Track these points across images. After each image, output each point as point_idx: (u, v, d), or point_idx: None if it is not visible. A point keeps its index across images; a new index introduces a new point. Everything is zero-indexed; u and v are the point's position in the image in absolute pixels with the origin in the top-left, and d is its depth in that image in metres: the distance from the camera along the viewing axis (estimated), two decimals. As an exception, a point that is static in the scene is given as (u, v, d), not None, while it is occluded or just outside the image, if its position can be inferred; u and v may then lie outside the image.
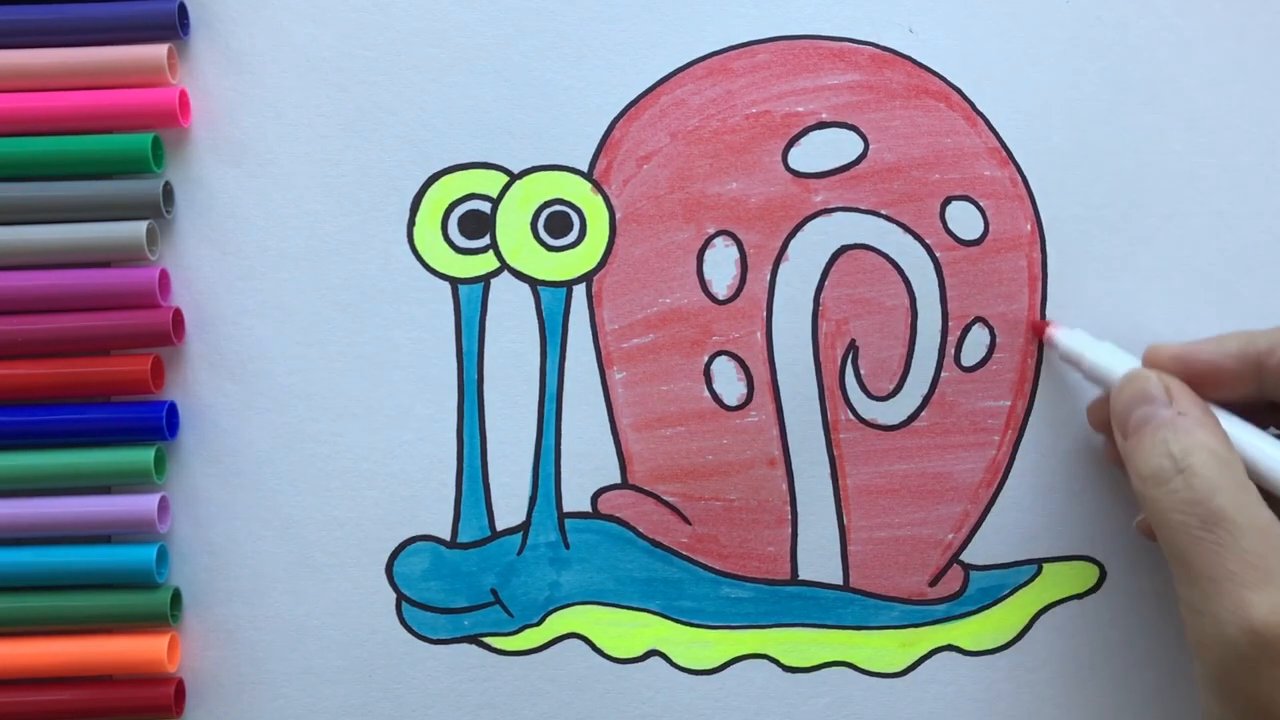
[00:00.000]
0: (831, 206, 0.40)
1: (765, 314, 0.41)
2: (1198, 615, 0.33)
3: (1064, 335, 0.39)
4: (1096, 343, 0.38)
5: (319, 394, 0.40)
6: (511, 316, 0.41)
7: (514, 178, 0.41)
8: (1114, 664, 0.41)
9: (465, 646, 0.41)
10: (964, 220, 0.40)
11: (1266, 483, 0.34)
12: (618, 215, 0.41)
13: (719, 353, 0.41)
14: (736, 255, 0.41)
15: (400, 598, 0.41)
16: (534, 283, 0.41)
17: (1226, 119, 0.40)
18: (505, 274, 0.41)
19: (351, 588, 0.40)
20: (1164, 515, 0.33)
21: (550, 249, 0.41)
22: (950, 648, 0.41)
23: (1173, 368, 0.36)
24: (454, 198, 0.41)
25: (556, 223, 0.41)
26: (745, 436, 0.41)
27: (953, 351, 0.40)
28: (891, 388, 0.41)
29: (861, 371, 0.41)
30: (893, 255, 0.40)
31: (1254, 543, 0.32)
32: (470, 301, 0.41)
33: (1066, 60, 0.40)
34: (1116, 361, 0.37)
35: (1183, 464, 0.33)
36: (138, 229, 0.39)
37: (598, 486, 0.41)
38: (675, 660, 0.41)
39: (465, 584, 0.41)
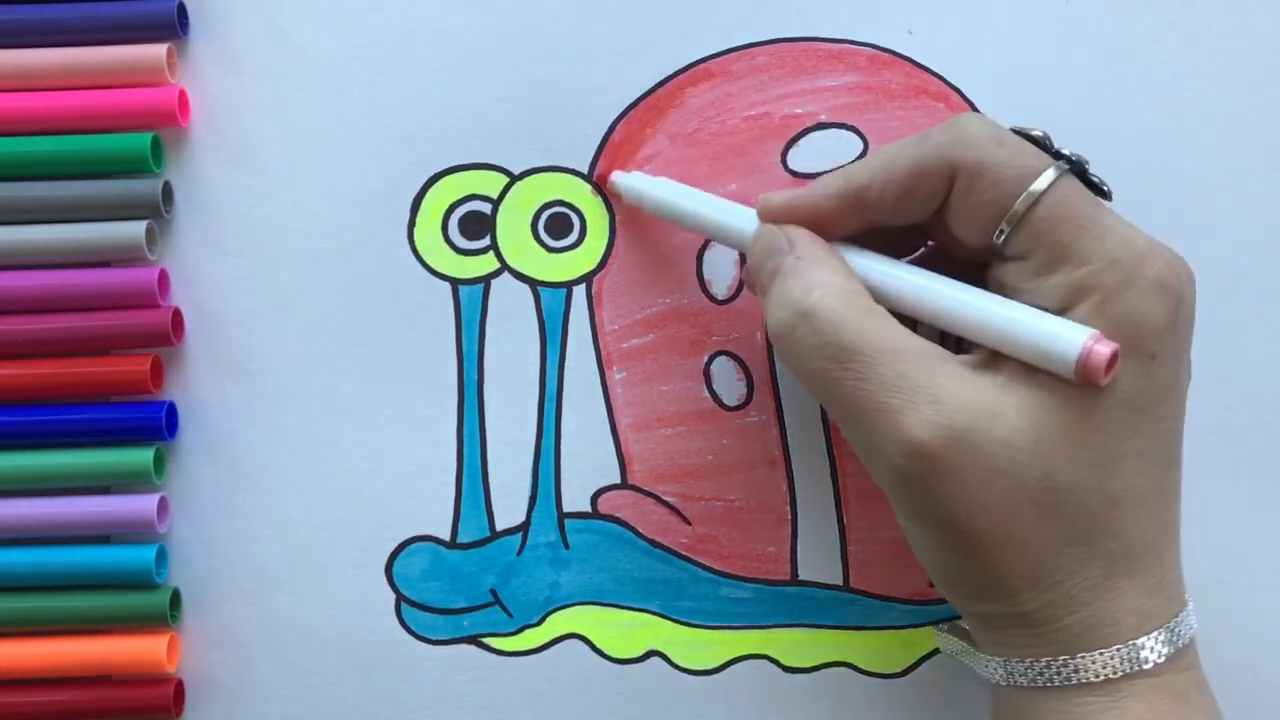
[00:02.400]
0: (831, 207, 0.40)
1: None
2: (864, 451, 0.33)
3: (625, 179, 0.40)
4: (659, 180, 0.39)
5: (319, 394, 0.40)
6: (511, 317, 0.41)
7: (514, 179, 0.41)
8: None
9: (465, 647, 0.41)
10: (963, 221, 0.41)
11: (896, 304, 0.34)
12: (617, 216, 0.41)
13: (719, 353, 0.41)
14: (736, 255, 0.41)
15: (400, 598, 0.40)
16: (534, 283, 0.41)
17: (1226, 119, 0.40)
18: (505, 275, 0.41)
19: (351, 588, 0.40)
20: (802, 365, 0.33)
21: (550, 250, 0.41)
22: (950, 648, 0.41)
23: (784, 218, 0.35)
24: (454, 199, 0.41)
25: (557, 224, 0.41)
26: (745, 436, 0.41)
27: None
28: (892, 387, 0.41)
29: (862, 371, 0.41)
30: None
31: (891, 366, 0.32)
32: (470, 302, 0.41)
33: (1066, 60, 0.41)
34: (735, 218, 0.37)
35: (803, 306, 0.33)
36: (137, 229, 0.39)
37: (598, 486, 0.41)
38: (675, 660, 0.40)
39: (465, 584, 0.41)
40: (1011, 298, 0.33)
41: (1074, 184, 0.33)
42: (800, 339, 0.33)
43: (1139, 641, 0.32)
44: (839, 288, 0.33)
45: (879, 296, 0.34)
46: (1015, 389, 0.32)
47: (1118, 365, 0.31)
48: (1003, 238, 0.33)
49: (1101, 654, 0.32)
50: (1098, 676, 0.32)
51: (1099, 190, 0.34)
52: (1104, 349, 0.31)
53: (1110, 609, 0.32)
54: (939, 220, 0.35)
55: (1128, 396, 0.32)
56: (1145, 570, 0.33)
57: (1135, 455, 0.32)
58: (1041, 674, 0.33)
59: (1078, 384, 0.31)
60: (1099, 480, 0.32)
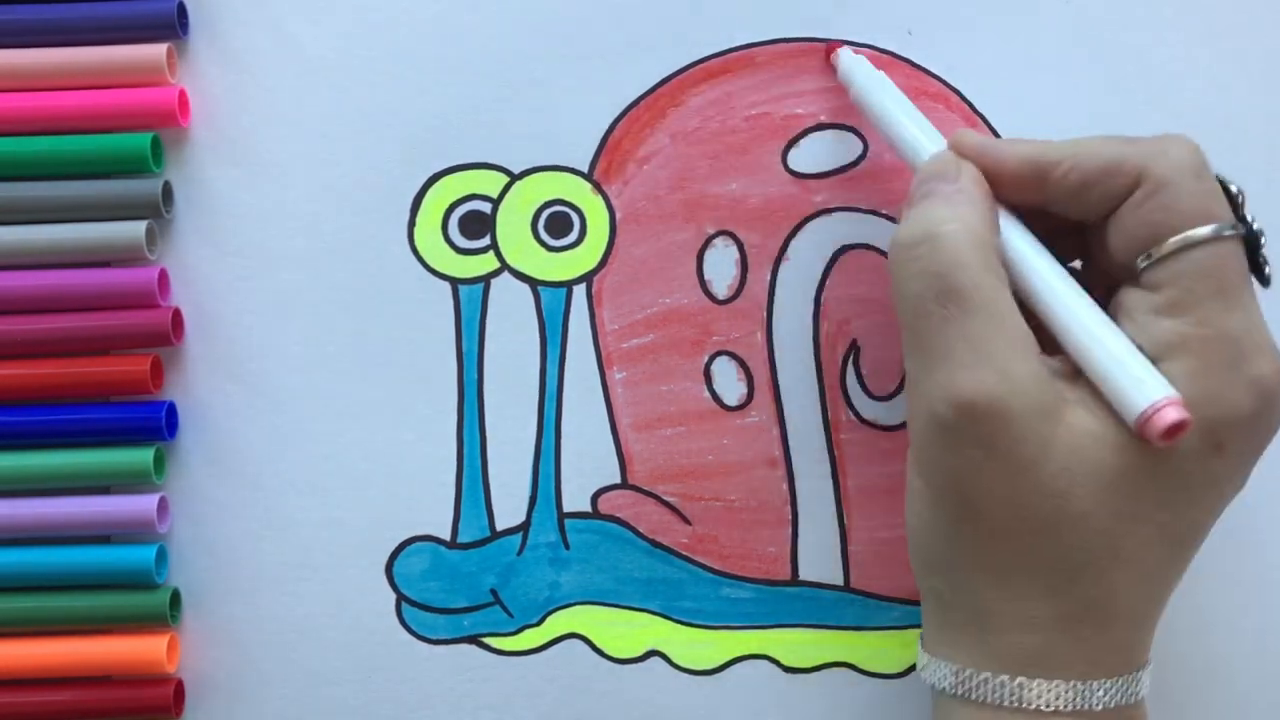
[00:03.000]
0: (831, 206, 0.40)
1: (765, 314, 0.41)
2: (914, 386, 0.33)
3: (849, 58, 0.39)
4: (878, 75, 0.38)
5: (319, 394, 0.40)
6: (511, 317, 0.41)
7: (514, 178, 0.41)
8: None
9: (465, 647, 0.41)
10: (964, 220, 0.40)
11: (1018, 280, 0.33)
12: (618, 216, 0.41)
13: (719, 353, 0.41)
14: (736, 255, 0.41)
15: (400, 598, 0.40)
16: (534, 283, 0.41)
17: (1226, 119, 0.41)
18: (505, 274, 0.41)
19: (351, 588, 0.40)
20: (905, 283, 0.33)
21: (550, 249, 0.41)
22: (950, 648, 0.41)
23: (971, 157, 0.35)
24: (454, 198, 0.41)
25: (557, 223, 0.41)
26: (745, 437, 0.41)
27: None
28: (893, 388, 0.41)
29: (862, 371, 0.41)
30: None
31: (981, 324, 0.31)
32: (470, 302, 0.41)
33: (1066, 60, 0.41)
34: (923, 136, 0.36)
35: (937, 230, 0.32)
36: (137, 229, 0.39)
37: (598, 486, 0.41)
38: (675, 660, 0.40)
39: (465, 584, 0.41)
40: (1121, 322, 0.32)
41: (1237, 251, 0.32)
42: (917, 258, 0.32)
43: (1085, 684, 0.32)
44: (977, 233, 0.32)
45: (1007, 265, 0.33)
46: (1078, 410, 0.32)
47: (1182, 436, 0.30)
48: (1146, 263, 0.32)
49: (1054, 685, 0.32)
50: (1036, 707, 0.32)
51: (1260, 272, 0.33)
52: (1174, 414, 0.30)
53: (1064, 648, 0.32)
54: (1100, 226, 0.34)
55: (1176, 471, 0.31)
56: (1115, 630, 0.32)
57: (1156, 526, 0.32)
58: (980, 687, 0.33)
59: (1133, 434, 0.31)
60: (1109, 529, 0.31)
